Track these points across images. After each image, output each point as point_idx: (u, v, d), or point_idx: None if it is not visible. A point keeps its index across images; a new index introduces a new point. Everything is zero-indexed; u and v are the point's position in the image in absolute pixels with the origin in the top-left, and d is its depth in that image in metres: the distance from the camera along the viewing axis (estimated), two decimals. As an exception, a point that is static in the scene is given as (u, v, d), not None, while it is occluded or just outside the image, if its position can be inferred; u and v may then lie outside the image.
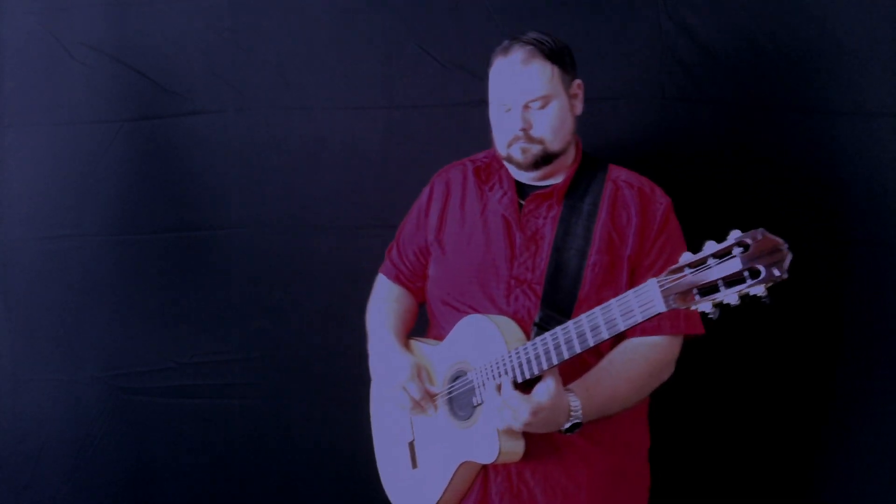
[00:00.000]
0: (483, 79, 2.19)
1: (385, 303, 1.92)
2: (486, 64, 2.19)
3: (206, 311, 2.35)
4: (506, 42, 1.71)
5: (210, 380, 2.36)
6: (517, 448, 1.61)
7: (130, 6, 2.31)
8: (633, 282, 1.68)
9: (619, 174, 1.77)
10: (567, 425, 1.56)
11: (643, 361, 1.66)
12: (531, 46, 1.66)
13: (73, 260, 2.36)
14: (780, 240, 1.25)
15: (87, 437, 2.39)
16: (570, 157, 1.76)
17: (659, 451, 2.20)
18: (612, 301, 1.43)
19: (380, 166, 2.27)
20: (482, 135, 2.19)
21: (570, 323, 1.49)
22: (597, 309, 1.45)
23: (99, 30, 2.32)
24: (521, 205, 1.75)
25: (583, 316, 1.47)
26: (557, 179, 1.76)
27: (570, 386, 1.58)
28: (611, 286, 1.68)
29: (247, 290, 2.33)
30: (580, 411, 1.56)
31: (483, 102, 2.21)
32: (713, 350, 2.16)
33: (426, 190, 1.90)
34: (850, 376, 2.10)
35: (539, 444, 1.63)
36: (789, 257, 1.24)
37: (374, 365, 1.85)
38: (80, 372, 2.38)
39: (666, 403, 2.19)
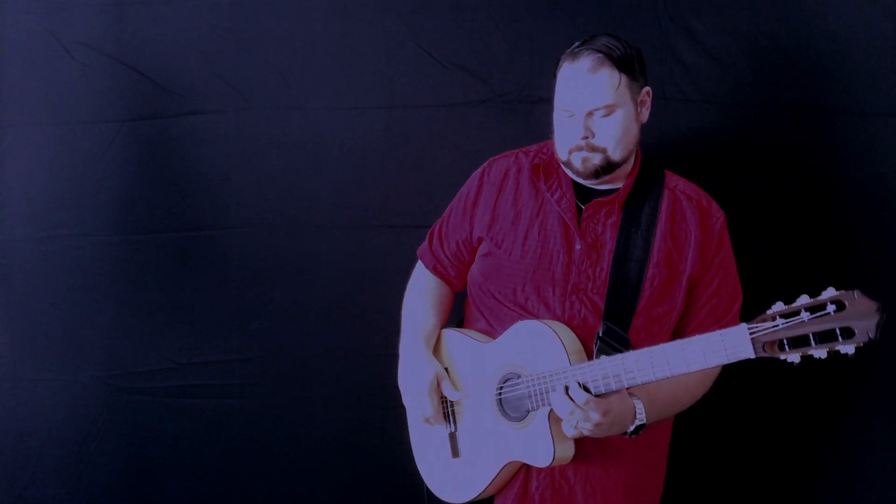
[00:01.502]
0: (483, 79, 2.21)
1: (422, 296, 1.91)
2: (487, 64, 2.20)
3: (207, 311, 2.35)
4: (576, 45, 1.68)
5: (210, 380, 2.36)
6: (569, 453, 1.66)
7: (130, 6, 2.30)
8: (689, 299, 1.71)
9: (676, 183, 1.77)
10: (632, 428, 1.59)
11: (699, 372, 1.63)
12: (600, 54, 1.62)
13: (73, 260, 2.36)
14: (876, 303, 1.27)
15: (87, 437, 2.39)
16: (630, 164, 1.74)
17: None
18: (696, 338, 1.44)
19: (380, 166, 2.27)
20: (482, 135, 2.20)
21: (645, 351, 1.49)
22: (677, 342, 1.46)
23: (99, 30, 2.31)
24: (579, 208, 1.73)
25: (659, 347, 1.48)
26: (616, 184, 1.74)
27: (632, 390, 1.59)
28: (666, 301, 1.70)
29: (247, 290, 2.33)
30: (644, 414, 1.59)
31: (483, 102, 2.22)
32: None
33: (474, 180, 1.86)
34: (850, 376, 2.10)
35: (583, 445, 1.65)
36: (882, 319, 1.26)
37: (401, 366, 1.88)
38: (80, 372, 2.38)
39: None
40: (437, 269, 1.92)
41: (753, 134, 2.11)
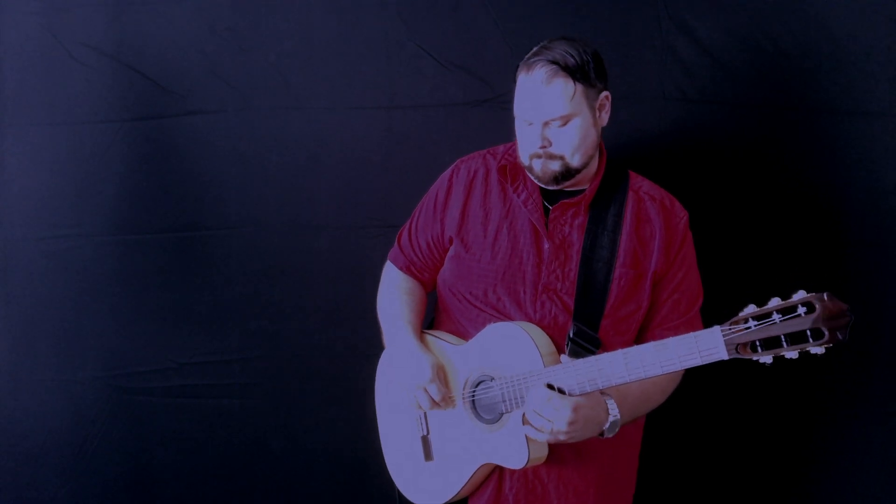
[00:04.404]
0: (483, 79, 2.21)
1: (399, 294, 1.90)
2: (487, 64, 2.20)
3: (207, 311, 2.35)
4: (532, 52, 1.68)
5: (210, 380, 2.36)
6: (543, 454, 1.67)
7: (130, 6, 2.30)
8: (652, 295, 1.73)
9: (640, 184, 1.79)
10: (607, 424, 1.60)
11: None
12: (555, 65, 1.63)
13: (73, 260, 2.36)
14: (845, 305, 1.29)
15: (87, 437, 2.39)
16: (593, 167, 1.75)
17: (657, 451, 2.20)
18: (670, 340, 1.46)
19: (380, 166, 2.27)
20: (482, 135, 2.20)
21: (619, 354, 1.51)
22: (651, 345, 1.48)
23: (99, 30, 2.31)
24: (546, 208, 1.75)
25: (634, 349, 1.50)
26: (582, 186, 1.76)
27: (603, 388, 1.59)
28: (633, 300, 1.72)
29: (247, 290, 2.33)
30: (617, 410, 1.60)
31: (483, 102, 2.22)
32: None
33: (444, 181, 1.87)
34: (850, 376, 2.10)
35: (556, 446, 1.66)
36: (851, 320, 1.29)
37: (393, 361, 1.86)
38: (80, 372, 2.38)
39: (668, 405, 2.19)
40: (409, 269, 1.92)
41: (753, 134, 2.11)
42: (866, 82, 2.03)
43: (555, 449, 1.67)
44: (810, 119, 2.08)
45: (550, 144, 1.67)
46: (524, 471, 1.71)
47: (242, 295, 2.33)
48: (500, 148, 1.86)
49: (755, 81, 2.09)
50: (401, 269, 1.94)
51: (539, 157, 1.68)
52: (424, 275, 1.92)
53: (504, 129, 2.21)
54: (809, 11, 2.04)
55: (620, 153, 2.16)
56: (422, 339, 1.84)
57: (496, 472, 1.75)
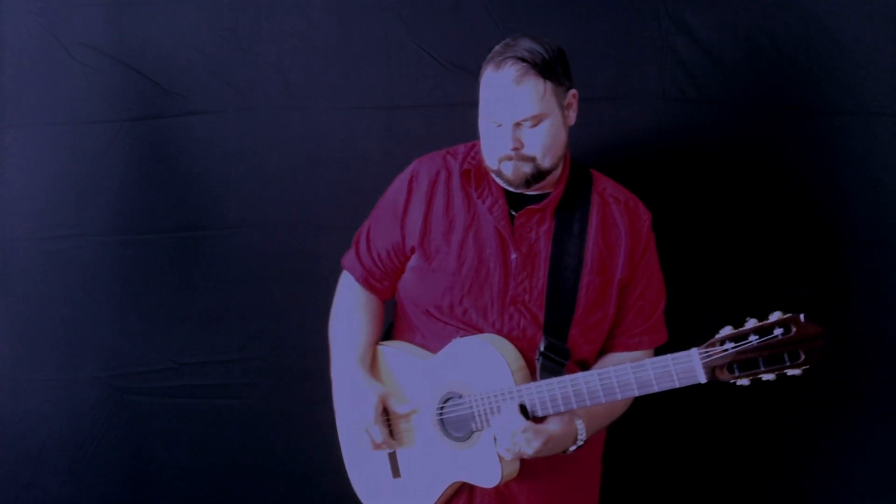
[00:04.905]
0: (483, 79, 2.21)
1: (354, 313, 1.83)
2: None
3: (207, 311, 2.35)
4: (498, 49, 1.62)
5: (210, 380, 2.36)
6: (514, 468, 1.64)
7: (130, 6, 2.30)
8: (620, 299, 1.70)
9: (604, 186, 1.74)
10: (573, 448, 1.60)
11: None
12: (525, 63, 1.57)
13: (73, 260, 2.36)
14: (820, 328, 1.29)
15: (87, 437, 2.39)
16: (559, 168, 1.70)
17: (657, 451, 2.20)
18: (647, 362, 1.45)
19: (380, 166, 2.26)
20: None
21: (594, 374, 1.50)
22: (627, 366, 1.47)
23: (99, 30, 2.31)
24: (511, 215, 1.69)
25: (610, 370, 1.48)
26: (546, 190, 1.70)
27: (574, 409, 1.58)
28: (601, 308, 1.69)
29: (247, 290, 2.33)
30: (585, 434, 1.59)
31: (483, 103, 2.21)
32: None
33: (403, 185, 1.79)
34: (851, 376, 2.10)
35: (529, 459, 1.63)
36: (826, 343, 1.29)
37: (338, 393, 1.82)
38: (80, 372, 2.38)
39: (666, 405, 2.19)
40: (367, 282, 1.84)
41: (753, 134, 2.11)
42: (866, 82, 2.03)
43: (526, 461, 1.64)
44: (810, 119, 2.07)
45: (522, 146, 1.61)
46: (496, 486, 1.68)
47: (242, 295, 2.33)
48: (461, 148, 1.80)
49: (755, 81, 2.09)
50: (358, 280, 1.85)
51: (510, 159, 1.62)
52: (384, 283, 1.84)
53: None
54: (809, 11, 2.04)
55: (621, 153, 2.16)
56: (376, 358, 1.79)
57: (466, 487, 1.72)
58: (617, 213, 1.71)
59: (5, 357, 2.40)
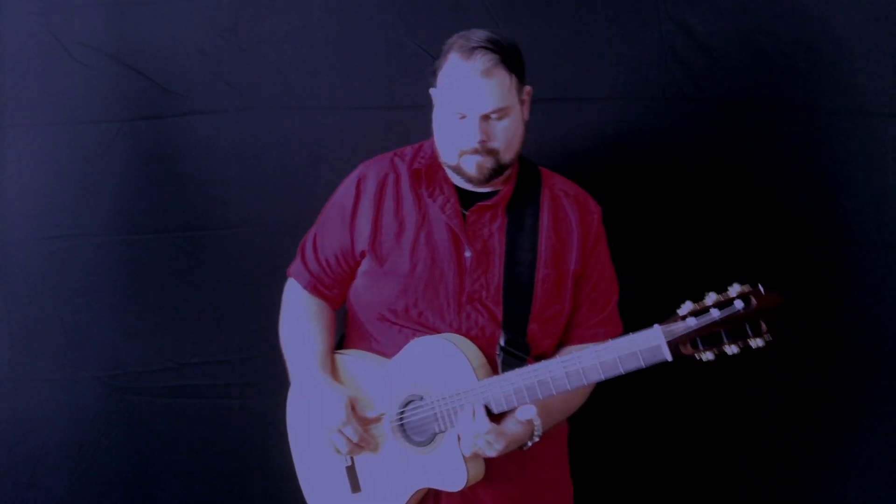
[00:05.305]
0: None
1: (305, 323, 1.78)
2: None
3: (207, 311, 2.35)
4: (458, 41, 1.62)
5: (210, 380, 2.36)
6: (480, 470, 1.61)
7: (130, 6, 2.30)
8: (574, 291, 1.69)
9: (553, 181, 1.75)
10: (529, 444, 1.58)
11: None
12: (495, 55, 1.56)
13: (73, 260, 2.36)
14: (779, 297, 1.29)
15: (87, 437, 2.39)
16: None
17: (656, 451, 2.20)
18: (610, 343, 1.43)
19: (380, 166, 2.26)
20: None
21: (556, 362, 1.48)
22: (590, 350, 1.45)
23: (99, 30, 2.31)
24: (463, 214, 1.68)
25: (573, 356, 1.46)
26: (497, 186, 1.69)
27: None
28: (557, 301, 1.68)
29: (247, 290, 2.32)
30: (541, 430, 1.57)
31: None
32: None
33: (350, 189, 1.76)
34: (850, 376, 2.10)
35: (495, 461, 1.61)
36: (785, 311, 1.28)
37: (300, 401, 1.78)
38: (80, 372, 2.38)
39: (668, 405, 2.19)
40: (316, 289, 1.79)
41: (753, 134, 2.11)
42: (866, 82, 2.03)
43: (491, 462, 1.61)
44: (810, 119, 2.07)
45: (489, 139, 1.59)
46: (462, 492, 1.64)
47: (242, 295, 2.33)
48: (408, 149, 1.78)
49: (755, 81, 2.09)
50: (306, 287, 1.80)
51: (476, 152, 1.60)
52: (333, 291, 1.80)
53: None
54: (810, 11, 2.04)
55: (621, 153, 2.16)
56: (335, 365, 1.74)
57: (431, 495, 1.67)
58: (567, 206, 1.72)
59: (5, 357, 2.40)
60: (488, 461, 1.62)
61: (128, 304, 2.36)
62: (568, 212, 1.71)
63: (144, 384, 2.37)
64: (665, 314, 2.08)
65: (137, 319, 2.36)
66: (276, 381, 2.34)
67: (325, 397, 1.67)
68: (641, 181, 2.14)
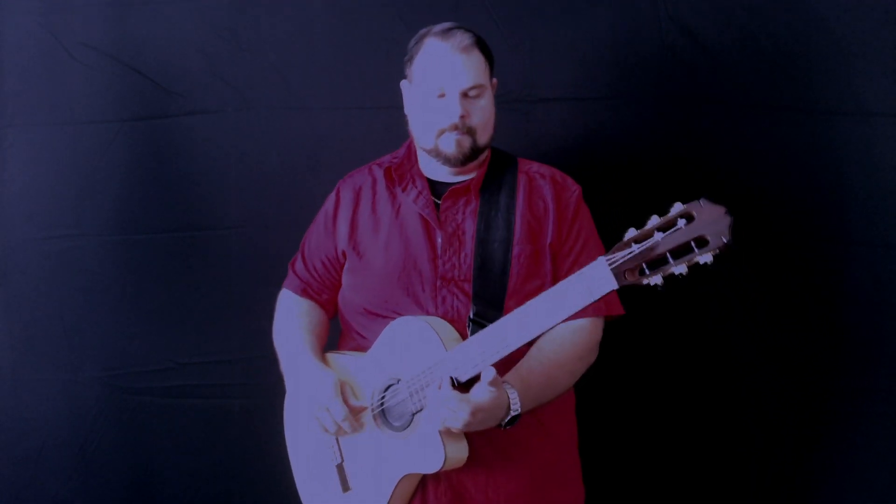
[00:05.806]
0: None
1: (295, 319, 1.82)
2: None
3: (206, 311, 2.35)
4: (433, 28, 1.69)
5: (210, 380, 2.36)
6: (462, 453, 1.57)
7: (130, 6, 2.30)
8: (555, 268, 1.69)
9: (530, 167, 1.78)
10: (507, 419, 1.54)
11: (571, 346, 1.64)
12: (472, 35, 1.65)
13: (73, 260, 2.36)
14: (722, 207, 1.28)
15: (87, 437, 2.39)
16: (485, 153, 1.74)
17: (656, 451, 2.20)
18: (558, 284, 1.43)
19: (380, 166, 2.27)
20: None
21: (512, 314, 1.48)
22: (539, 296, 1.44)
23: (99, 30, 2.31)
24: (436, 204, 1.72)
25: (525, 306, 1.46)
26: (470, 175, 1.73)
27: (506, 377, 1.55)
28: (537, 276, 1.68)
29: (247, 290, 2.33)
30: (518, 403, 1.53)
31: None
32: (714, 350, 2.17)
33: (331, 198, 1.84)
34: (851, 376, 2.10)
35: (480, 450, 1.60)
36: (731, 221, 1.27)
37: (291, 386, 1.78)
38: (80, 372, 2.38)
39: (669, 405, 2.19)
40: (305, 291, 1.85)
41: (753, 134, 2.11)
42: (866, 82, 2.03)
43: (479, 455, 1.59)
44: (810, 119, 2.08)
45: (469, 115, 1.63)
46: (449, 483, 1.63)
47: (242, 295, 2.33)
48: (385, 158, 1.85)
49: (755, 81, 2.09)
50: (296, 292, 1.86)
51: (455, 128, 1.63)
52: (322, 296, 1.85)
53: (504, 129, 2.21)
54: (809, 11, 2.05)
55: (620, 152, 2.16)
56: (328, 363, 1.75)
57: (419, 490, 1.65)
58: (544, 186, 1.73)
59: (5, 357, 2.40)
60: (480, 454, 1.59)
61: (128, 304, 2.36)
62: (544, 190, 1.73)
63: (144, 384, 2.37)
64: (665, 314, 2.09)
65: (137, 319, 2.37)
66: (276, 381, 2.34)
67: (315, 377, 1.68)
68: (641, 181, 2.14)
